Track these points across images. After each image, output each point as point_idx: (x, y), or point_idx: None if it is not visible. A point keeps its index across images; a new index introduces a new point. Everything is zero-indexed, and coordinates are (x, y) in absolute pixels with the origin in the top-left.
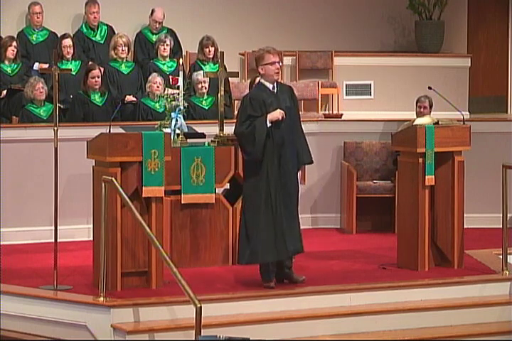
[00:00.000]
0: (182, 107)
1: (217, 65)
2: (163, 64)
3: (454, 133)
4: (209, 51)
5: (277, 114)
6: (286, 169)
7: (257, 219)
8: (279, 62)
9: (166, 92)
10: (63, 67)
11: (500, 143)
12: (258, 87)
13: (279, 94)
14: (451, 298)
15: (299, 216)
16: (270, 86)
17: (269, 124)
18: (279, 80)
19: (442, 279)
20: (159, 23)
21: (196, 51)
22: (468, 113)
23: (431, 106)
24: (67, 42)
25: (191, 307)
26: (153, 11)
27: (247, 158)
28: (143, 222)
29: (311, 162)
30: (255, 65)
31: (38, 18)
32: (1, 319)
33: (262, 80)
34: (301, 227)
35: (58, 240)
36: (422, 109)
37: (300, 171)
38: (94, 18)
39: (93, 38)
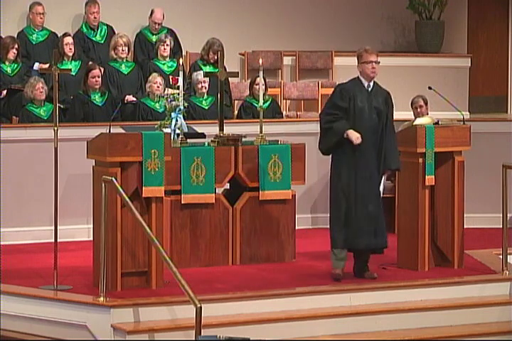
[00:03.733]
0: (182, 107)
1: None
2: (163, 64)
3: (454, 133)
4: (215, 56)
5: (354, 138)
6: (364, 170)
7: (335, 211)
8: (376, 62)
9: (166, 92)
10: (63, 67)
11: (500, 143)
12: (354, 81)
13: (373, 93)
14: (451, 298)
15: (381, 215)
16: (366, 83)
17: (345, 136)
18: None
19: (442, 279)
20: (158, 24)
21: (196, 51)
22: (468, 113)
23: (426, 104)
24: (68, 39)
25: (191, 307)
26: (152, 12)
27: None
28: (143, 222)
29: (399, 168)
30: (356, 63)
31: (41, 18)
32: (1, 319)
33: (360, 77)
34: (301, 227)
35: (58, 240)
36: (419, 109)
37: (385, 175)
38: (95, 18)
39: (93, 38)
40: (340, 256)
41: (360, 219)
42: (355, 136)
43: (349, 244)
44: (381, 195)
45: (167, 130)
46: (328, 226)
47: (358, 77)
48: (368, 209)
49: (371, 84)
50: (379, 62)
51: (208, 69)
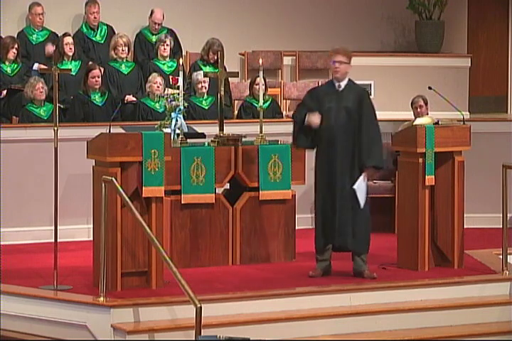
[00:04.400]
0: (182, 107)
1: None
2: (163, 64)
3: (454, 133)
4: (215, 57)
5: (311, 120)
6: (334, 169)
7: (316, 211)
8: (339, 62)
9: (166, 92)
10: (63, 67)
11: (500, 143)
12: (327, 84)
13: (344, 93)
14: (451, 298)
15: (348, 215)
16: (336, 84)
17: (306, 122)
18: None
19: (442, 279)
20: (158, 25)
21: (196, 51)
22: (468, 113)
23: (426, 104)
24: (68, 39)
25: (191, 307)
26: (152, 12)
27: None
28: (143, 222)
29: (377, 166)
30: None
31: (40, 19)
32: (1, 319)
33: (333, 78)
34: (301, 227)
35: (58, 240)
36: (419, 109)
37: (364, 174)
38: (95, 18)
39: (93, 38)
40: (321, 257)
41: (331, 219)
42: (310, 120)
43: (325, 244)
44: (361, 195)
45: (167, 130)
46: None
47: (331, 79)
48: (336, 209)
49: (342, 84)
50: (343, 62)
51: (207, 69)
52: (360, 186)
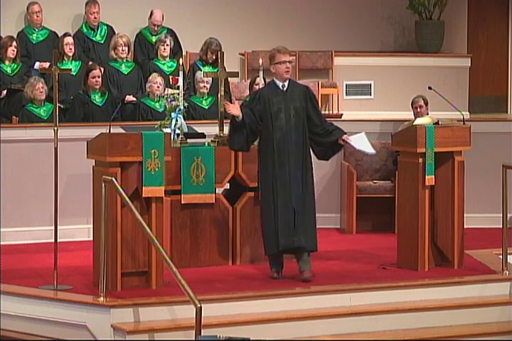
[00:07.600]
0: (182, 107)
1: (217, 68)
2: (163, 64)
3: (454, 133)
4: (214, 56)
5: (230, 110)
6: (286, 167)
7: (264, 212)
8: (289, 62)
9: (166, 92)
10: (63, 67)
11: (500, 143)
12: (269, 85)
13: (289, 93)
14: (451, 298)
15: (308, 214)
16: (280, 84)
17: (237, 119)
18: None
19: (442, 279)
20: (157, 26)
21: (196, 51)
22: (468, 113)
23: (426, 104)
24: (69, 39)
25: (191, 307)
26: (151, 14)
27: None
28: (143, 222)
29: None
30: (268, 64)
31: (37, 17)
32: (1, 319)
33: (274, 78)
34: None
35: (58, 240)
36: (418, 109)
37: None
38: (95, 18)
39: (93, 38)
40: (278, 259)
41: (281, 220)
42: (229, 107)
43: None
44: (362, 145)
45: (167, 130)
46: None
47: (272, 80)
48: (288, 208)
49: (286, 83)
50: (292, 62)
51: (207, 69)
52: (358, 140)
